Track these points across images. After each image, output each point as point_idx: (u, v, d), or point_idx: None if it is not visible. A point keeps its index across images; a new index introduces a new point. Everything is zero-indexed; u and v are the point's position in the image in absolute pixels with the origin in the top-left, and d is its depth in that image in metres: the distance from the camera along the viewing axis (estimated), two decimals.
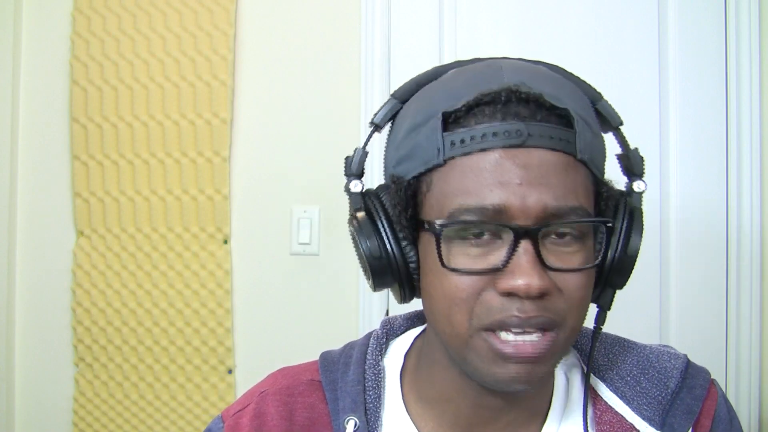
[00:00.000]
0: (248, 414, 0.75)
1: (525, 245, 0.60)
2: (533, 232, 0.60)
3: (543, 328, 0.61)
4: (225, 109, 1.75)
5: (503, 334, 0.61)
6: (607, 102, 0.72)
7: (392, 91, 0.73)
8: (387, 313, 1.69)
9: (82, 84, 1.82)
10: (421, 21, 1.68)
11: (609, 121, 0.71)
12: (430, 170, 0.64)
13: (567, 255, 0.62)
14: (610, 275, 0.67)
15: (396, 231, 0.67)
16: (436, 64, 1.66)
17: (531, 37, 1.64)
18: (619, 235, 0.67)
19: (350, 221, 0.70)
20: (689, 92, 1.57)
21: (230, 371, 1.76)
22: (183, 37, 1.77)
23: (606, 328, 0.78)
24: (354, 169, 0.71)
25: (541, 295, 0.60)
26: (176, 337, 1.78)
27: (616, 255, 0.66)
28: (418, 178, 0.66)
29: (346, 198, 0.72)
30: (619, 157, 0.72)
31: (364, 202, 0.69)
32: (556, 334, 0.62)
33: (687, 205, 1.57)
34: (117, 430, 1.82)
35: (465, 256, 0.62)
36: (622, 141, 0.72)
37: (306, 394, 0.75)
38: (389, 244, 0.67)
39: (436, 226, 0.62)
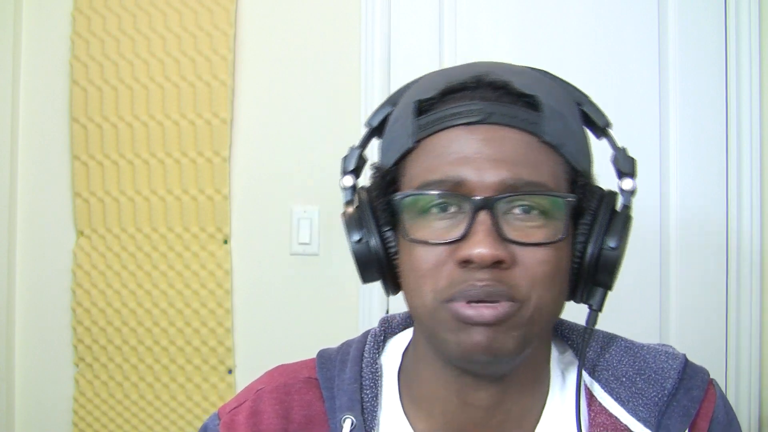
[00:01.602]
0: (244, 411, 0.75)
1: (482, 216, 0.62)
2: (490, 203, 0.62)
3: (503, 300, 0.62)
4: (225, 109, 1.75)
5: (463, 304, 0.62)
6: (593, 104, 0.73)
7: (392, 91, 0.76)
8: (387, 313, 1.70)
9: (82, 84, 1.82)
10: (421, 21, 1.68)
11: (596, 122, 0.72)
12: (404, 156, 0.68)
13: (530, 230, 0.63)
14: (592, 272, 0.67)
15: (379, 220, 0.69)
16: (436, 64, 1.67)
17: (531, 38, 1.64)
18: (601, 231, 0.67)
19: (341, 216, 0.72)
20: (689, 92, 1.57)
21: (230, 371, 1.76)
22: (183, 37, 1.77)
23: (606, 328, 0.78)
24: (347, 165, 0.74)
25: (496, 264, 0.61)
26: (176, 337, 1.78)
27: (596, 250, 0.66)
28: (396, 165, 0.69)
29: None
30: (612, 160, 0.72)
31: (353, 196, 0.73)
32: (517, 306, 0.63)
33: (687, 205, 1.57)
34: (117, 430, 1.82)
35: (429, 229, 0.64)
36: (610, 141, 0.72)
37: (303, 392, 0.75)
38: (372, 233, 0.69)
39: (396, 197, 0.66)
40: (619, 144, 0.72)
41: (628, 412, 0.70)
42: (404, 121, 0.68)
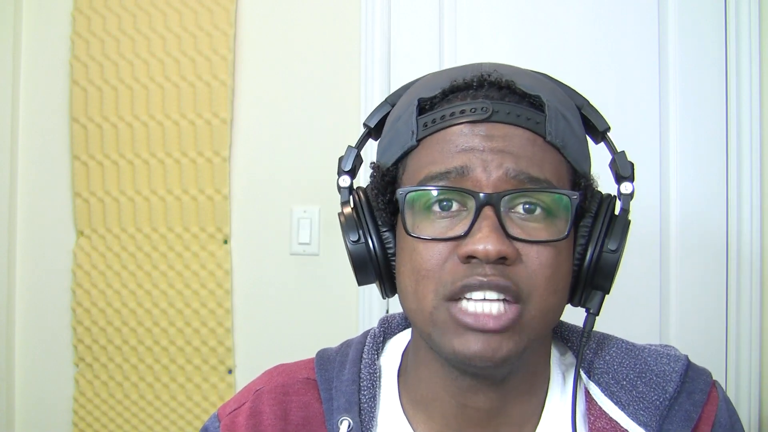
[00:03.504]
0: (244, 413, 0.75)
1: (487, 212, 0.61)
2: (495, 198, 0.61)
3: (506, 299, 0.61)
4: (225, 109, 1.75)
5: (464, 303, 0.62)
6: (593, 107, 0.72)
7: (392, 91, 0.76)
8: (387, 313, 1.69)
9: (82, 84, 1.82)
10: (421, 21, 1.68)
11: (596, 126, 0.71)
12: (406, 154, 0.68)
13: (533, 230, 0.63)
14: (591, 275, 0.67)
15: (376, 220, 0.69)
16: (436, 64, 1.67)
17: (531, 37, 1.63)
18: (600, 233, 0.66)
19: (339, 215, 0.72)
20: (689, 92, 1.57)
21: (230, 371, 1.76)
22: (183, 37, 1.77)
23: (606, 329, 0.78)
24: (344, 165, 0.74)
25: (501, 260, 0.61)
26: (176, 337, 1.78)
27: (596, 253, 0.66)
28: (396, 164, 0.68)
29: None
30: (610, 164, 0.72)
31: (350, 196, 0.72)
32: (520, 309, 0.62)
33: (687, 205, 1.57)
34: (117, 430, 1.82)
35: (431, 227, 0.64)
36: (609, 145, 0.72)
37: (301, 392, 0.75)
38: (369, 234, 0.69)
39: (399, 192, 0.65)
40: (618, 148, 0.72)
41: (629, 416, 0.69)
42: (406, 119, 0.68)
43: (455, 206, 0.63)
